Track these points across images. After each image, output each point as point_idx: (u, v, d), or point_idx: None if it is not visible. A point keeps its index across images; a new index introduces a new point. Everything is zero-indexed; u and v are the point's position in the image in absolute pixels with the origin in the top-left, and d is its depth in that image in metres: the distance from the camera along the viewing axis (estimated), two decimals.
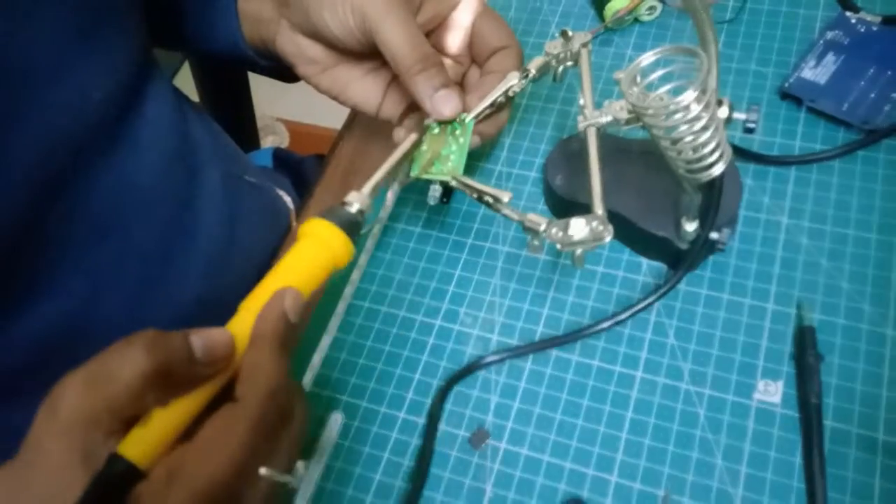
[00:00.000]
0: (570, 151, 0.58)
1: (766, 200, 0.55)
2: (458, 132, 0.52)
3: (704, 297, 0.52)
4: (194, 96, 0.97)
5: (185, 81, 0.95)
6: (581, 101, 0.49)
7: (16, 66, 0.43)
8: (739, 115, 0.47)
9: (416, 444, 0.50)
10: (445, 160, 0.51)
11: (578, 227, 0.43)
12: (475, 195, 0.49)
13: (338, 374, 0.53)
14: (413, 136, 0.51)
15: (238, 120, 1.03)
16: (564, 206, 0.56)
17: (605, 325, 0.51)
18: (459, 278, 0.57)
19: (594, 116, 0.48)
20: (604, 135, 0.48)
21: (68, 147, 0.47)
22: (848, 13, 0.62)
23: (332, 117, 0.91)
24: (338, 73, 0.55)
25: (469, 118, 0.52)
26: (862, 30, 0.61)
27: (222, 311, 0.59)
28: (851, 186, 0.55)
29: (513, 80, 0.53)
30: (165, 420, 0.36)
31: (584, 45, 0.52)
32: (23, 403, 0.48)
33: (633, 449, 0.48)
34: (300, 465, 0.38)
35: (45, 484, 0.33)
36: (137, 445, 0.34)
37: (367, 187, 0.47)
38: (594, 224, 0.43)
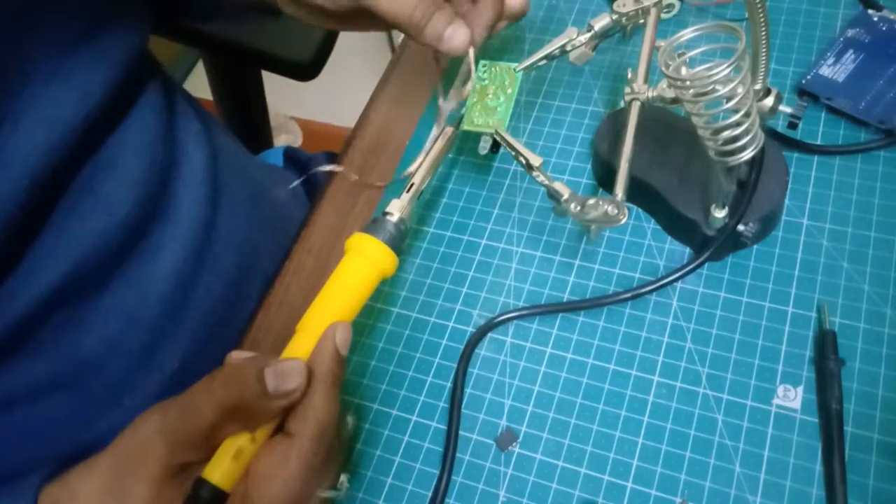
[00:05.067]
0: (621, 122, 0.58)
1: (786, 202, 0.54)
2: (506, 83, 0.52)
3: (723, 300, 0.52)
4: (208, 95, 0.97)
5: (199, 80, 0.95)
6: (629, 75, 0.49)
7: (18, 66, 0.46)
8: (785, 109, 0.47)
9: (428, 448, 0.50)
10: (493, 112, 0.51)
11: (595, 207, 0.44)
12: (513, 153, 0.50)
13: (349, 376, 0.53)
14: (448, 131, 0.51)
15: (251, 118, 1.03)
16: (610, 173, 0.56)
17: (607, 301, 0.52)
18: (472, 279, 0.56)
19: (641, 90, 0.48)
20: (657, 108, 0.48)
21: (70, 137, 0.49)
22: (870, 11, 0.61)
23: (346, 116, 0.91)
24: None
25: (518, 69, 0.52)
26: (884, 28, 0.60)
27: (199, 290, 0.59)
28: (873, 188, 0.54)
29: (572, 34, 0.52)
30: (244, 447, 0.39)
31: (656, 3, 0.51)
32: (15, 367, 0.50)
33: (650, 454, 0.47)
34: (343, 478, 0.43)
35: (129, 497, 0.39)
36: (219, 470, 0.38)
37: (407, 196, 0.48)
38: (609, 207, 0.43)
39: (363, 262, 0.44)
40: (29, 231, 0.48)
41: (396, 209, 0.47)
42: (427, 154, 0.51)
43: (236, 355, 0.42)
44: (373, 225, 0.46)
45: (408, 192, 0.48)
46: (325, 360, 0.41)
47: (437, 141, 0.51)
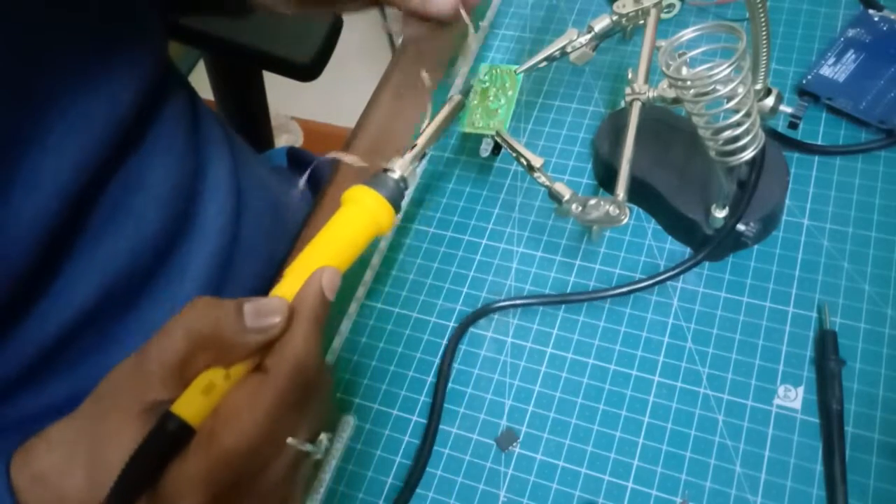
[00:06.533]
0: (621, 122, 0.58)
1: (787, 202, 0.54)
2: (507, 85, 0.52)
3: (723, 301, 0.52)
4: (209, 95, 0.97)
5: (200, 80, 0.95)
6: (630, 75, 0.49)
7: (44, 84, 0.45)
8: (786, 109, 0.46)
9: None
10: (493, 114, 0.51)
11: (596, 207, 0.44)
12: (514, 154, 0.49)
13: (350, 375, 0.53)
14: (456, 99, 0.51)
15: (252, 118, 1.03)
16: (610, 173, 0.56)
17: (601, 294, 0.52)
18: (473, 280, 0.56)
19: (641, 90, 0.48)
20: (657, 108, 0.48)
21: (100, 153, 0.48)
22: (871, 11, 0.61)
23: (346, 116, 0.91)
24: None
25: (519, 71, 0.52)
26: (884, 28, 0.60)
27: None
28: (873, 188, 0.54)
29: (572, 36, 0.52)
30: (216, 382, 0.36)
31: (656, 4, 0.51)
32: (42, 387, 0.49)
33: (650, 454, 0.47)
34: (324, 436, 0.39)
35: (105, 436, 0.36)
36: (187, 404, 0.35)
37: (410, 154, 0.46)
38: (611, 207, 0.43)
39: (359, 212, 0.43)
40: (60, 252, 0.48)
41: (398, 167, 0.45)
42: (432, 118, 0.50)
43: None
44: (373, 179, 0.44)
45: (410, 151, 0.46)
46: (308, 300, 0.38)
47: (443, 107, 0.51)
